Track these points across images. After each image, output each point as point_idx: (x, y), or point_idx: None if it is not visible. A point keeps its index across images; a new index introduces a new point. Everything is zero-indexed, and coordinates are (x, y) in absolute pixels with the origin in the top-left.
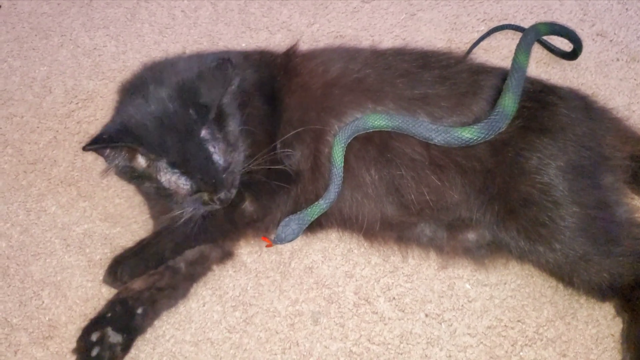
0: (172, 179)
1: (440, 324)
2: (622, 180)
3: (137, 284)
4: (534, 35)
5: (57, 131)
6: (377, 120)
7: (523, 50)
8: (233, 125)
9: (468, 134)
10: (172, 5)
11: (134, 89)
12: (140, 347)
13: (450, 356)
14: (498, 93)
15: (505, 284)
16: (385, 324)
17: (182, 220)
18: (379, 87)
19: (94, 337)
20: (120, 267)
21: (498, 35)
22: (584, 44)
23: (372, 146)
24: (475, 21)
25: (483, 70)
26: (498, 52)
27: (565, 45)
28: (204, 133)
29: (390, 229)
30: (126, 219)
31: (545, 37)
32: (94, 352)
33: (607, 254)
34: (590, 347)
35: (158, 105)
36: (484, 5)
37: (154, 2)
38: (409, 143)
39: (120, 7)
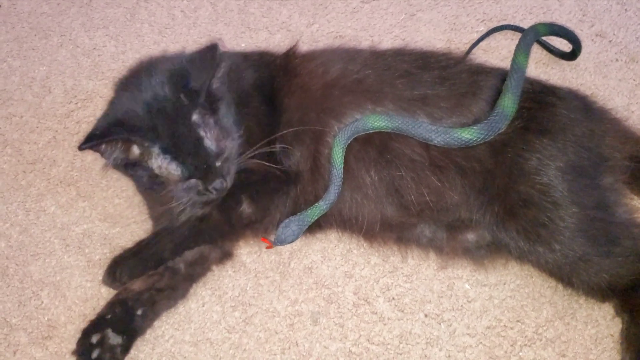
0: (163, 165)
1: (440, 324)
2: (621, 181)
3: (137, 285)
4: (533, 35)
5: (57, 131)
6: (376, 121)
7: (522, 50)
8: (225, 110)
9: (468, 135)
10: (172, 5)
11: (127, 83)
12: (140, 347)
13: (449, 356)
14: (497, 94)
15: (504, 284)
16: (384, 324)
17: (179, 211)
18: (378, 88)
19: (94, 339)
20: (120, 268)
21: (497, 35)
22: (583, 44)
23: (372, 147)
24: (475, 22)
25: (482, 71)
26: (497, 53)
27: (564, 45)
28: (195, 118)
29: (390, 230)
30: (125, 219)
31: (544, 38)
32: (95, 354)
33: (606, 254)
34: (590, 347)
35: (149, 92)
36: (483, 5)
37: (154, 2)
38: (408, 144)
39: (120, 7)
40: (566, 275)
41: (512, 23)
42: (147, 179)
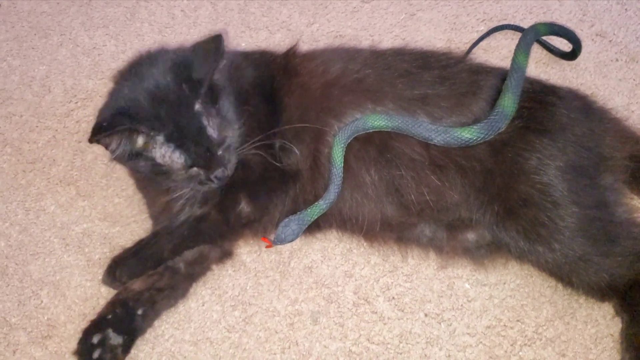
0: (166, 153)
1: (440, 323)
2: (621, 181)
3: (137, 285)
4: (534, 35)
5: (56, 130)
6: (376, 120)
7: (522, 50)
8: (226, 100)
9: (468, 134)
10: (172, 5)
11: (128, 73)
12: (140, 346)
13: (449, 356)
14: (497, 93)
15: (504, 283)
16: (384, 324)
17: (178, 210)
18: (378, 88)
19: (95, 339)
20: (119, 268)
21: (497, 35)
22: (583, 44)
23: (372, 146)
24: (475, 21)
25: (482, 71)
26: (497, 52)
27: (564, 45)
28: (197, 107)
29: (390, 229)
30: (125, 218)
31: (544, 38)
32: (96, 355)
33: (606, 254)
34: (590, 346)
35: (151, 81)
36: (483, 5)
37: (154, 2)
38: (408, 143)
39: (120, 6)
40: (566, 274)
41: (512, 23)
42: (149, 170)
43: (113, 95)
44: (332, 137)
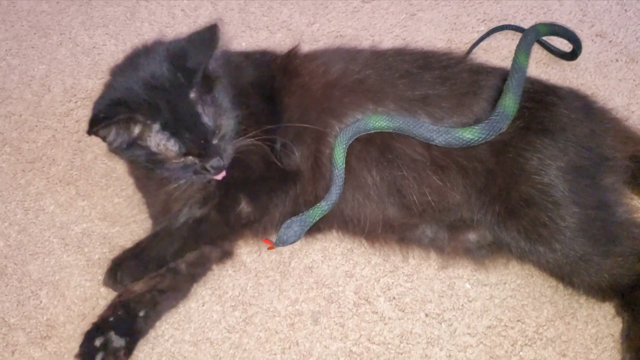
0: (161, 142)
1: (440, 323)
2: (621, 181)
3: (138, 286)
4: (534, 35)
5: (56, 130)
6: (378, 121)
7: (523, 50)
8: (221, 89)
9: (469, 135)
10: (172, 4)
11: (124, 65)
12: (140, 347)
13: (450, 356)
14: (498, 93)
15: (505, 283)
16: (385, 324)
17: (177, 210)
18: (379, 88)
19: (98, 342)
20: (121, 271)
21: (498, 35)
22: (584, 44)
23: (374, 147)
24: (475, 21)
25: (483, 71)
26: (498, 53)
27: (564, 45)
28: (192, 95)
29: (392, 231)
30: (125, 218)
31: (545, 38)
32: (98, 358)
33: (607, 254)
34: (590, 346)
35: (147, 70)
36: (483, 5)
37: (154, 1)
38: (410, 144)
39: (120, 5)
40: (567, 274)
41: (512, 23)
42: (144, 159)
43: (108, 87)
44: (334, 138)
